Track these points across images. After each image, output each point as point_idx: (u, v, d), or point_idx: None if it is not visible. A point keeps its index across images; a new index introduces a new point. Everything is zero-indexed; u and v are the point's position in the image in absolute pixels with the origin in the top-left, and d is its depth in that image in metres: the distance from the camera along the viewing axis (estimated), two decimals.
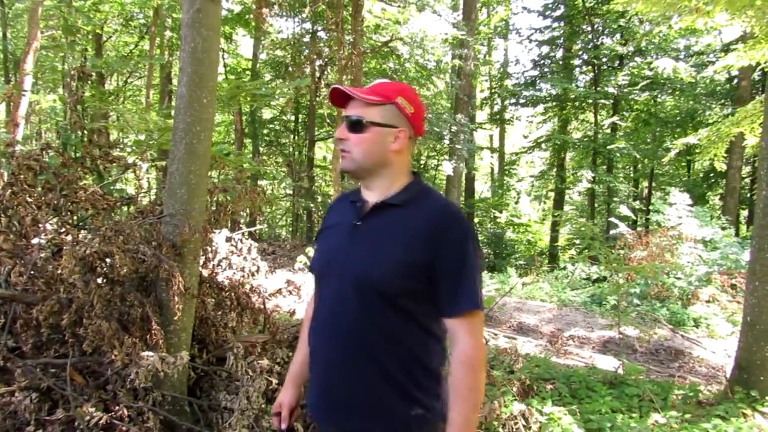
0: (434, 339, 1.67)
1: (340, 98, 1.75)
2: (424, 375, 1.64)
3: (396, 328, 1.62)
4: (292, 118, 23.46)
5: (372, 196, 1.74)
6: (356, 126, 1.68)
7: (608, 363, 7.07)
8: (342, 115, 1.75)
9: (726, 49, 16.00)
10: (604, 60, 20.88)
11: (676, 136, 19.03)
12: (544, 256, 22.86)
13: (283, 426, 1.87)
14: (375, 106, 1.69)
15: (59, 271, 2.99)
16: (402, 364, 1.62)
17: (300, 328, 1.97)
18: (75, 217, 3.88)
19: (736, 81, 17.46)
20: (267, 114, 23.29)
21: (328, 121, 20.25)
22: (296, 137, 23.73)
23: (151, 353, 2.87)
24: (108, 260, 3.03)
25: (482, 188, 31.78)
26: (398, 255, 1.59)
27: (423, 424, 1.62)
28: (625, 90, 19.65)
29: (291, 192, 21.29)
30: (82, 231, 3.66)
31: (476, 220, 24.97)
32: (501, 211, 25.22)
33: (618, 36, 20.33)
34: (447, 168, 18.84)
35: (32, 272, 3.15)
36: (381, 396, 1.62)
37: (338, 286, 1.67)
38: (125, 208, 4.24)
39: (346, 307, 1.64)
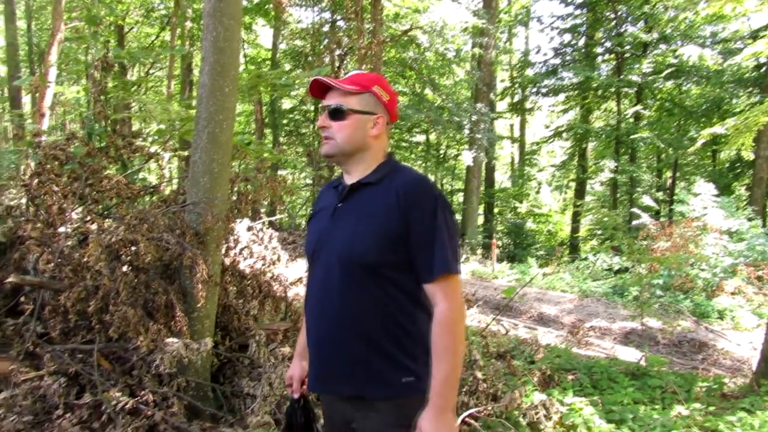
0: (422, 308, 1.73)
1: (318, 90, 1.85)
2: (413, 343, 1.71)
3: (381, 299, 1.70)
4: (312, 108, 23.46)
5: (352, 179, 1.84)
6: (337, 114, 1.78)
7: (630, 354, 7.01)
8: (321, 105, 1.84)
9: (754, 35, 15.63)
10: (628, 48, 20.49)
11: (701, 125, 18.67)
12: (564, 246, 22.68)
13: (296, 395, 2.02)
14: (354, 95, 1.79)
15: (85, 259, 3.05)
16: (390, 334, 1.71)
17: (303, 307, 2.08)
18: (100, 206, 3.93)
19: (764, 68, 17.04)
20: (287, 104, 23.34)
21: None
22: (316, 127, 23.74)
23: (175, 339, 2.91)
24: (133, 248, 3.07)
25: (502, 178, 31.57)
26: (375, 229, 1.69)
27: (413, 391, 1.68)
28: (649, 78, 19.32)
29: (311, 181, 21.36)
30: (107, 219, 3.71)
31: (496, 210, 24.83)
32: (521, 201, 25.04)
33: (642, 23, 19.94)
34: (467, 158, 18.74)
35: (59, 260, 3.21)
36: (370, 364, 1.71)
37: (326, 264, 1.78)
38: (149, 197, 4.29)
39: (333, 283, 1.74)
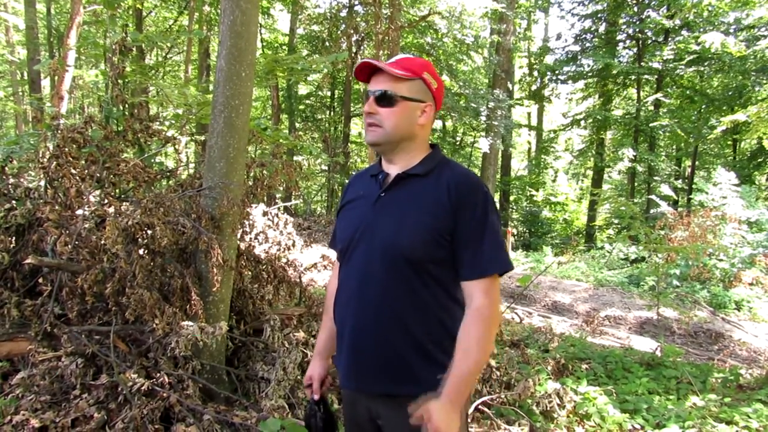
0: (458, 305, 1.69)
1: (365, 72, 1.76)
2: (449, 339, 1.66)
3: (422, 295, 1.66)
4: (329, 93, 23.45)
5: (394, 168, 1.77)
6: (386, 100, 1.70)
7: (645, 344, 6.97)
8: (368, 89, 1.75)
9: None
10: (649, 34, 20.12)
11: (722, 113, 18.33)
12: (580, 235, 22.52)
13: (316, 397, 1.94)
14: (404, 81, 1.71)
15: (103, 242, 3.07)
16: (428, 330, 1.66)
17: (324, 303, 2.01)
18: (117, 190, 3.96)
19: None
20: (303, 90, 23.33)
21: (364, 97, 20.16)
22: (332, 113, 23.77)
23: (190, 323, 2.93)
24: (149, 231, 3.09)
25: (519, 166, 31.35)
26: (425, 223, 1.64)
27: None
28: (671, 65, 18.99)
29: (326, 167, 21.36)
30: (124, 203, 3.74)
31: (512, 198, 24.69)
32: (537, 190, 24.87)
33: (664, 9, 19.58)
34: (483, 145, 18.60)
35: (77, 242, 3.24)
36: (408, 361, 1.66)
37: (365, 257, 1.71)
38: (165, 181, 4.32)
39: (374, 276, 1.68)
